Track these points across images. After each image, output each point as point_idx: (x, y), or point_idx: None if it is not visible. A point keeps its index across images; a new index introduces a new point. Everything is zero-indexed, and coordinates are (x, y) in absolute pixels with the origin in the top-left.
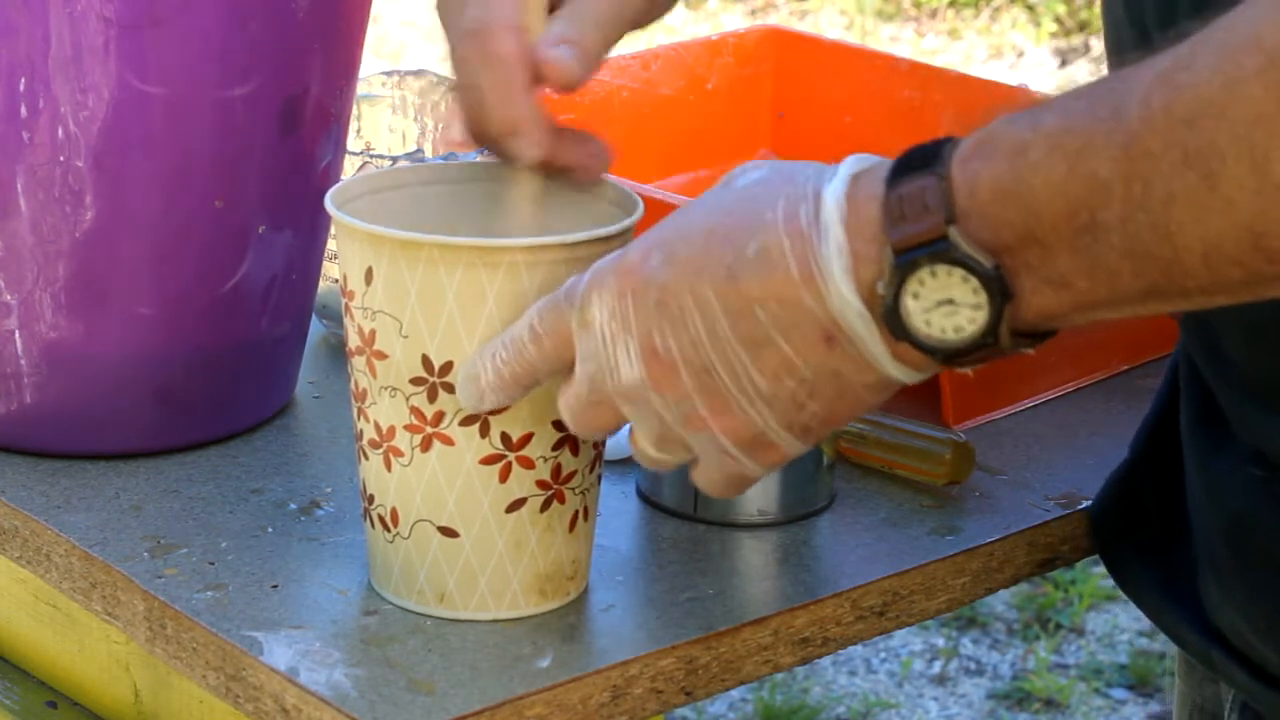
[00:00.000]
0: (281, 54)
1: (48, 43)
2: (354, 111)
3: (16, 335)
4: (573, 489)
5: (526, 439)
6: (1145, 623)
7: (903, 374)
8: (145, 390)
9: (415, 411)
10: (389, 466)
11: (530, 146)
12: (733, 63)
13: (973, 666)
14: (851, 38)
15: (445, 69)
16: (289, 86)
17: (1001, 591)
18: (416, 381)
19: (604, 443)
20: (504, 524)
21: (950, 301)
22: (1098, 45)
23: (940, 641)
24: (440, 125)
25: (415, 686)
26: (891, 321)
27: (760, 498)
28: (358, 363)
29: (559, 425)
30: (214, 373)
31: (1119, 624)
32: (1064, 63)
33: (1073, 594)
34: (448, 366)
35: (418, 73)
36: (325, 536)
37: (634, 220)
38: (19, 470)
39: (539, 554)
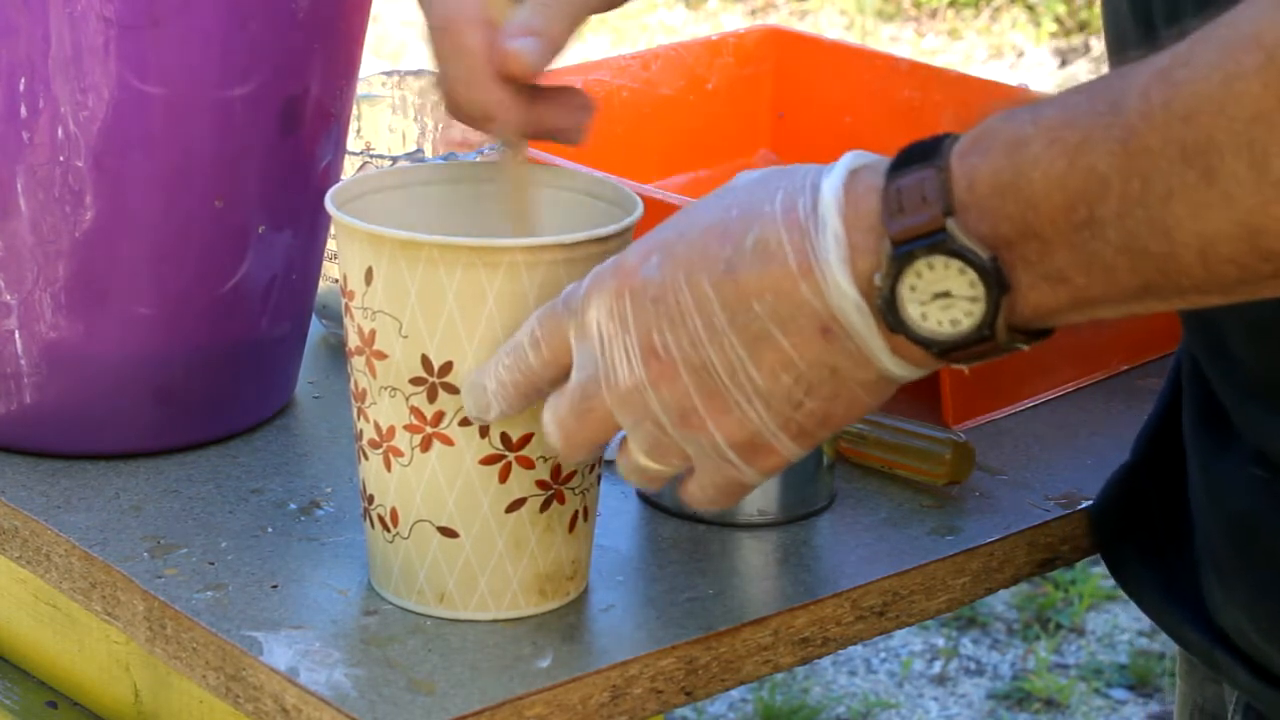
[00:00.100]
0: (281, 54)
1: (48, 43)
2: (354, 111)
3: (16, 335)
4: (572, 489)
5: (526, 439)
6: (1145, 623)
7: (900, 369)
8: (145, 390)
9: (415, 411)
10: (389, 466)
11: (504, 130)
12: (733, 63)
13: (973, 666)
14: (851, 38)
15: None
16: (289, 86)
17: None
18: (416, 381)
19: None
20: (504, 524)
21: (947, 294)
22: (1098, 45)
23: (940, 641)
24: (440, 125)
25: (415, 686)
26: (888, 313)
27: (760, 498)
28: (357, 363)
29: None
30: (214, 373)
31: (1119, 624)
32: (1064, 63)
33: (1073, 594)
34: (447, 366)
35: (418, 73)
36: (325, 536)
37: (634, 220)
38: (19, 470)
39: (539, 554)
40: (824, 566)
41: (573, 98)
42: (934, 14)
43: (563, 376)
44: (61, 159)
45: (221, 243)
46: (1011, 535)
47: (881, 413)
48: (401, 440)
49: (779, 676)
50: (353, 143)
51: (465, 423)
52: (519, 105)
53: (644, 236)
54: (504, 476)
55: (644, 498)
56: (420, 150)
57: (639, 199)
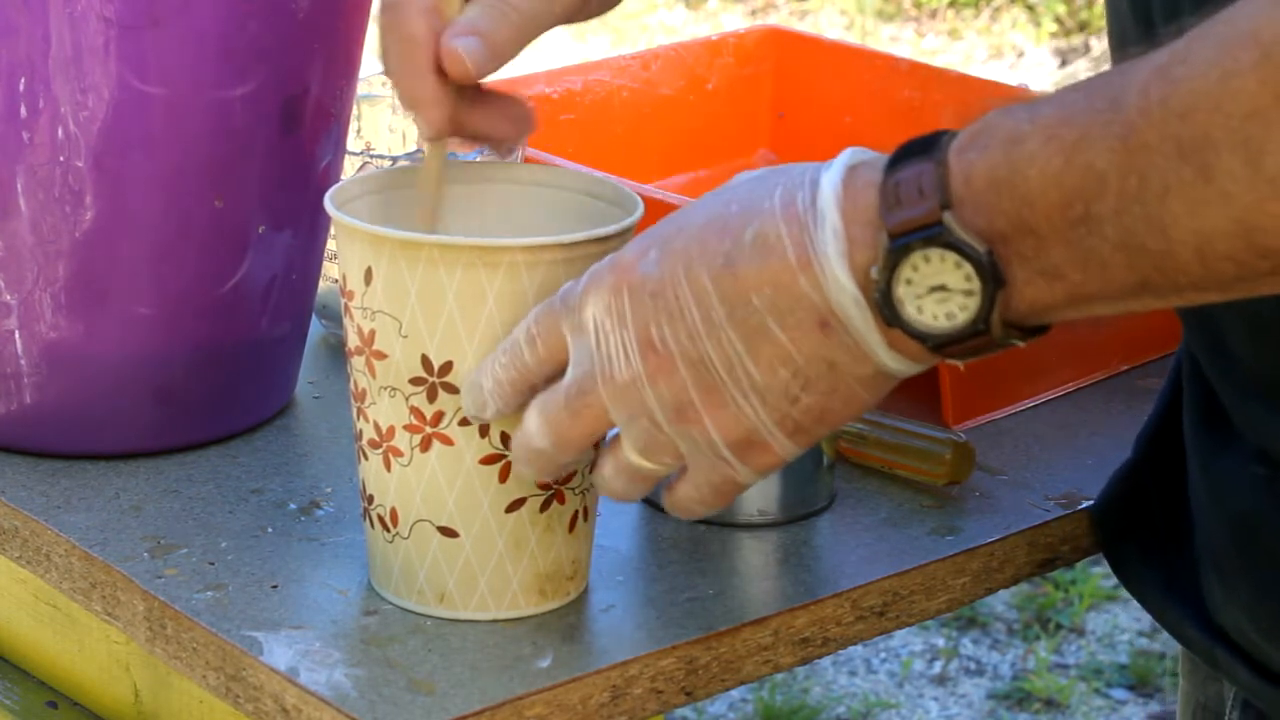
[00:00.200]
0: (281, 54)
1: (48, 43)
2: (354, 111)
3: (16, 335)
4: (572, 489)
5: None
6: (1145, 623)
7: (896, 364)
8: (145, 390)
9: (415, 411)
10: (388, 466)
11: (426, 125)
12: (733, 63)
13: (973, 666)
14: (851, 38)
15: None
16: (289, 86)
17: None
18: (416, 381)
19: (604, 442)
20: (504, 524)
21: (943, 288)
22: (1098, 45)
23: (940, 641)
24: None
25: (415, 686)
26: (884, 307)
27: (760, 498)
28: (357, 363)
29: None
30: (214, 373)
31: (1119, 624)
32: (1064, 63)
33: (1073, 594)
34: (447, 366)
35: None
36: (325, 536)
37: (634, 220)
38: (19, 470)
39: (539, 554)
40: (824, 566)
41: (512, 107)
42: (934, 14)
43: (557, 375)
44: (61, 159)
45: (221, 243)
46: (1011, 535)
47: (881, 413)
48: (401, 440)
49: (779, 676)
50: (353, 143)
51: (465, 423)
52: (448, 102)
53: (642, 233)
54: (504, 476)
55: (644, 498)
56: (420, 150)
57: (639, 199)
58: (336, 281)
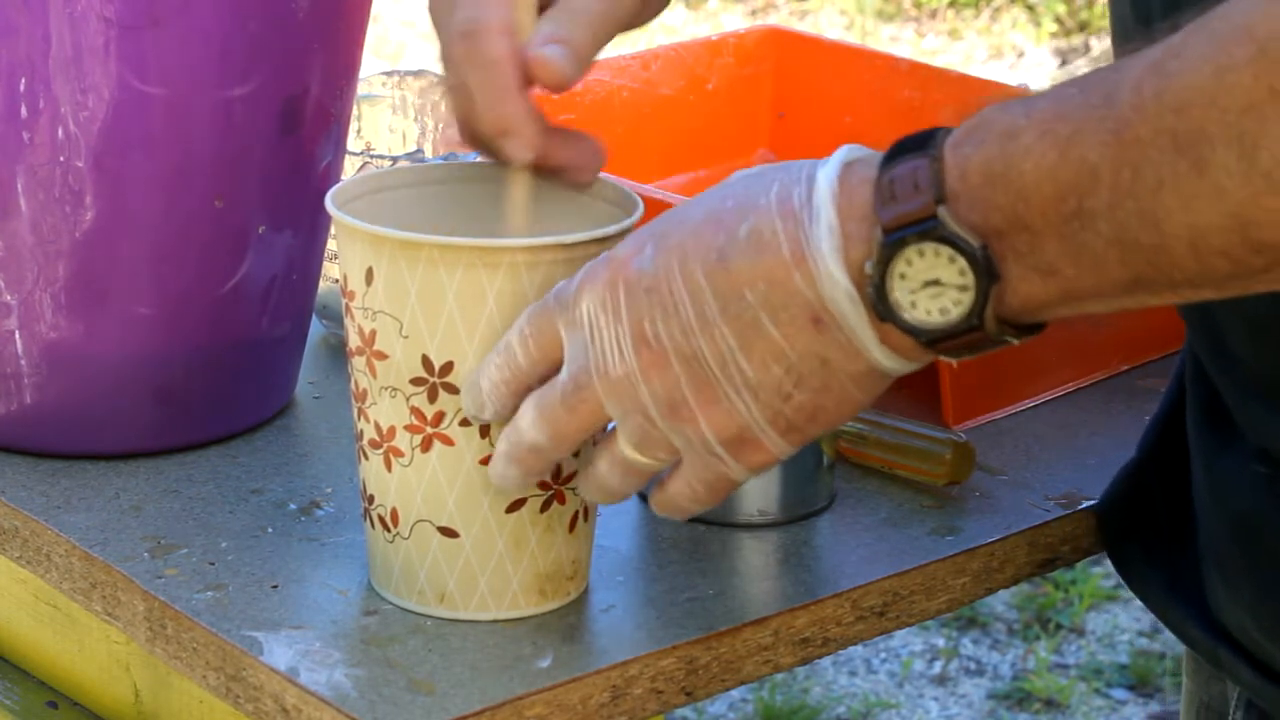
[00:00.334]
0: (281, 54)
1: (48, 43)
2: (354, 111)
3: (16, 335)
4: (573, 489)
5: None
6: (1145, 623)
7: (889, 360)
8: (145, 390)
9: (415, 412)
10: (389, 467)
11: (521, 148)
12: (733, 63)
13: (973, 666)
14: (851, 38)
15: (442, 69)
16: (289, 86)
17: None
18: (417, 382)
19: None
20: (504, 524)
21: (937, 282)
22: (1098, 45)
23: (940, 642)
24: (440, 125)
25: (415, 686)
26: (878, 301)
27: (760, 498)
28: (358, 363)
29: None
30: (214, 373)
31: (1119, 624)
32: (1064, 63)
33: (1073, 594)
34: (448, 367)
35: (418, 73)
36: (325, 536)
37: (633, 220)
38: (19, 470)
39: (539, 554)
40: (824, 566)
41: (585, 141)
42: (934, 14)
43: (551, 375)
44: (61, 159)
45: (221, 243)
46: (1011, 535)
47: (881, 413)
48: (402, 440)
49: (779, 676)
50: (353, 143)
51: (465, 423)
52: (538, 122)
53: (638, 229)
54: None
55: (644, 498)
56: (420, 150)
57: (639, 199)
58: (337, 281)
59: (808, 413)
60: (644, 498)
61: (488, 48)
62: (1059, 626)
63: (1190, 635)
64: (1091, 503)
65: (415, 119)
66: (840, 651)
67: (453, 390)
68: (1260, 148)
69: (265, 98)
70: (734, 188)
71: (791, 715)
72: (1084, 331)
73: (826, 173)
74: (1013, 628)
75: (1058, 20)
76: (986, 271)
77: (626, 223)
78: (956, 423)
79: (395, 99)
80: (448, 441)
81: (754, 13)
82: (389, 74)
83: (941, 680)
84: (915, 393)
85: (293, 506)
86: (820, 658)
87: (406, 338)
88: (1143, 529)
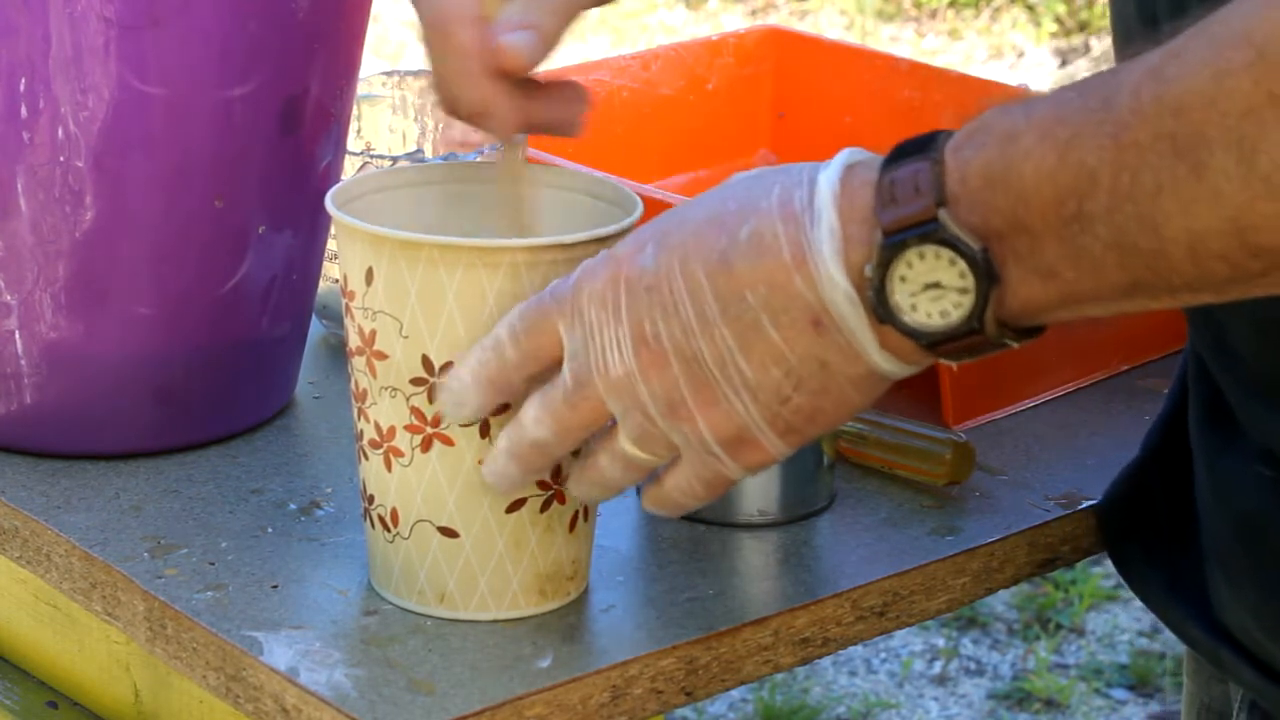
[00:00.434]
0: (281, 54)
1: (48, 43)
2: (354, 111)
3: (16, 335)
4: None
5: None
6: (1145, 623)
7: (889, 364)
8: (145, 390)
9: (415, 412)
10: (389, 467)
11: (499, 126)
12: (733, 63)
13: (973, 666)
14: (851, 38)
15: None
16: (289, 86)
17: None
18: (417, 382)
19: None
20: (504, 524)
21: (937, 285)
22: (1098, 45)
23: (940, 642)
24: (440, 125)
25: (415, 686)
26: (878, 304)
27: (760, 498)
28: (358, 363)
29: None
30: (214, 373)
31: (1119, 624)
32: (1064, 63)
33: (1073, 594)
34: (448, 367)
35: (418, 73)
36: (325, 536)
37: (633, 220)
38: (19, 470)
39: (539, 554)
40: (824, 566)
41: (568, 90)
42: (934, 14)
43: (540, 372)
44: (61, 159)
45: (221, 243)
46: (1011, 535)
47: (881, 413)
48: (402, 440)
49: (779, 676)
50: (353, 143)
51: (466, 423)
52: (513, 100)
53: (639, 228)
54: None
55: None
56: (420, 150)
57: (639, 199)
58: (337, 281)
59: (806, 414)
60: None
61: (456, 37)
62: (1059, 626)
63: (1191, 635)
64: (1092, 503)
65: (415, 119)
66: (840, 651)
67: None
68: (1259, 152)
69: (265, 98)
70: (735, 189)
71: (791, 715)
72: (1084, 331)
73: (828, 176)
74: (1013, 628)
75: (1058, 20)
76: (987, 274)
77: (626, 222)
78: (956, 423)
79: (395, 99)
80: (448, 441)
81: (754, 13)
82: (389, 74)
83: (941, 680)
84: (915, 393)
85: (293, 506)
86: (820, 658)
87: (406, 338)
88: (1144, 529)
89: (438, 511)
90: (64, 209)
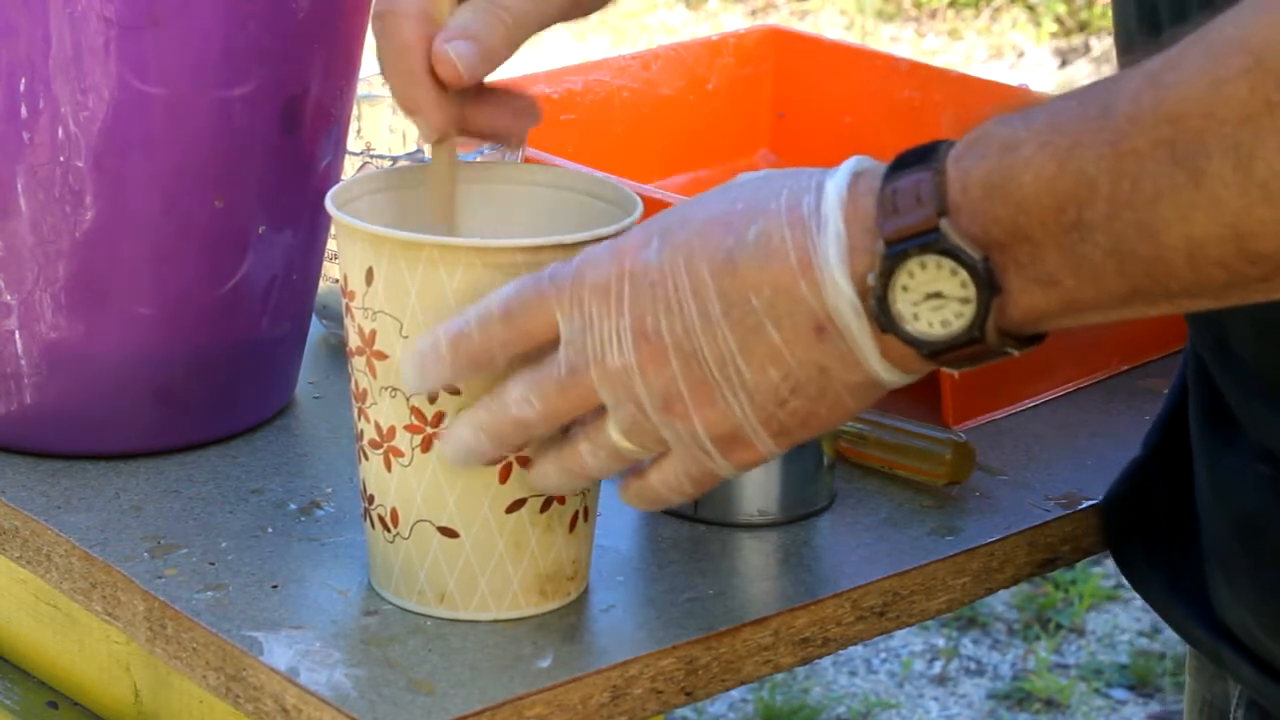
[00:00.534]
0: (281, 54)
1: (48, 43)
2: (354, 111)
3: (16, 335)
4: (574, 491)
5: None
6: (1145, 623)
7: (889, 373)
8: (145, 390)
9: (415, 412)
10: (389, 467)
11: (426, 128)
12: (733, 63)
13: (973, 666)
14: (851, 38)
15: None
16: (289, 86)
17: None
18: (419, 393)
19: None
20: (504, 524)
21: (939, 295)
22: (1098, 45)
23: (940, 642)
24: None
25: (415, 686)
26: (880, 313)
27: (760, 498)
28: (358, 363)
29: (567, 430)
30: (214, 373)
31: (1119, 624)
32: (1064, 63)
33: (1073, 594)
34: None
35: None
36: (325, 536)
37: (633, 220)
38: (19, 470)
39: (539, 554)
40: (824, 566)
41: (515, 101)
42: (934, 14)
43: (526, 349)
44: (62, 159)
45: (221, 243)
46: (1011, 535)
47: (881, 413)
48: (402, 440)
49: (779, 677)
50: (353, 143)
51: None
52: (446, 104)
53: (644, 222)
54: (504, 477)
55: None
56: (420, 150)
57: (639, 199)
58: (337, 281)
59: (800, 418)
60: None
61: (398, 32)
62: (1059, 626)
63: (1192, 634)
64: (1092, 503)
65: None
66: (840, 651)
67: (453, 390)
68: (1256, 158)
69: (265, 98)
70: (742, 190)
71: (791, 715)
72: (1084, 332)
73: (835, 182)
74: (1013, 628)
75: (1058, 20)
76: (988, 284)
77: (626, 222)
78: (956, 423)
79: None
80: None
81: (754, 13)
82: None
83: (941, 680)
84: (915, 393)
85: (293, 506)
86: (820, 658)
87: (407, 338)
88: (1146, 528)
89: (438, 511)
90: (64, 209)
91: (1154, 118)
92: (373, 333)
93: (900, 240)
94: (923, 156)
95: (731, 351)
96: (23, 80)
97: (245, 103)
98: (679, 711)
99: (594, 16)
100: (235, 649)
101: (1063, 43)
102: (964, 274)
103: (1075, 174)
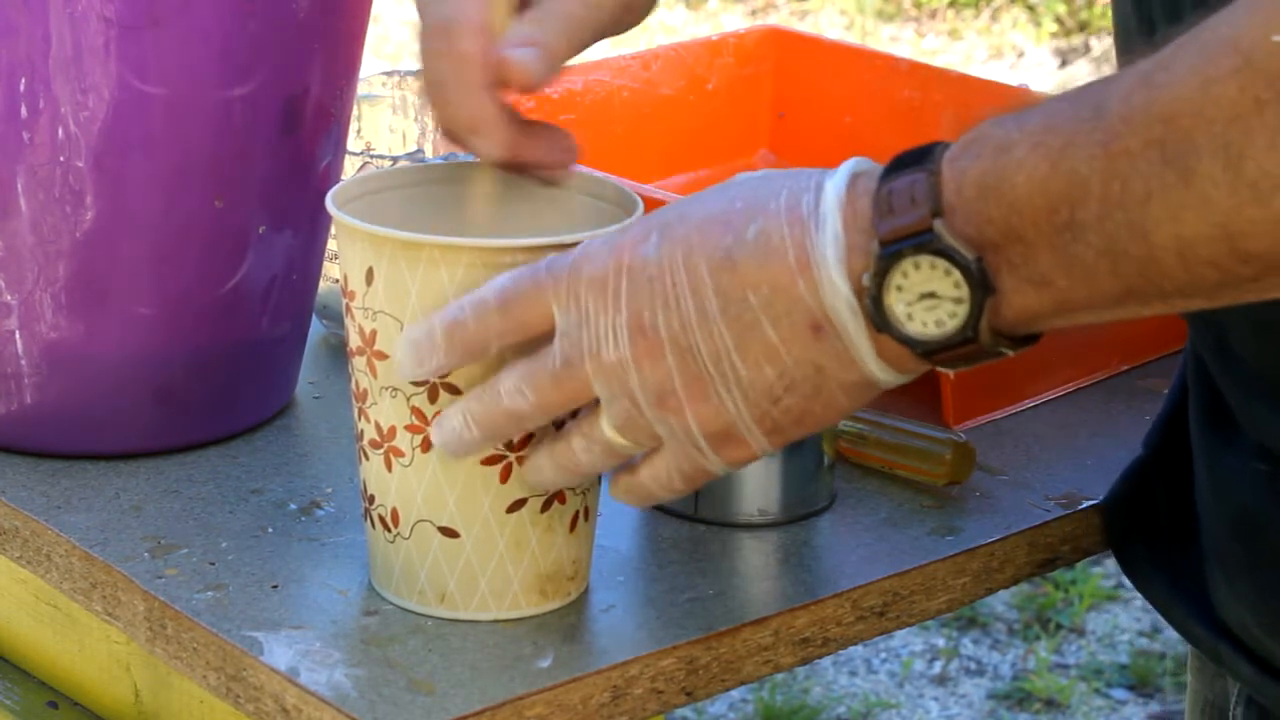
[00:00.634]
0: (282, 54)
1: (48, 43)
2: (354, 111)
3: (17, 335)
4: (573, 489)
5: (527, 439)
6: (1145, 623)
7: (884, 373)
8: (145, 390)
9: (416, 412)
10: (390, 467)
11: (491, 146)
12: (733, 63)
13: (973, 666)
14: (851, 38)
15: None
16: (289, 86)
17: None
18: (417, 382)
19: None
20: (505, 524)
21: (933, 295)
22: (1098, 45)
23: (940, 642)
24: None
25: (415, 686)
26: (875, 313)
27: (760, 498)
28: (358, 363)
29: (557, 424)
30: (214, 373)
31: (1119, 624)
32: (1064, 63)
33: (1073, 594)
34: None
35: (418, 73)
36: (325, 537)
37: (634, 220)
38: (19, 470)
39: (540, 554)
40: (824, 566)
41: (557, 137)
42: (934, 14)
43: (521, 339)
44: (62, 159)
45: (221, 243)
46: (1011, 535)
47: (881, 413)
48: (403, 440)
49: (779, 676)
50: (353, 143)
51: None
52: (507, 121)
53: (643, 218)
54: (505, 477)
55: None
56: (420, 150)
57: (639, 199)
58: (337, 281)
59: (794, 416)
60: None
61: (461, 45)
62: (1059, 626)
63: (1193, 633)
64: (1092, 503)
65: (415, 119)
66: (840, 651)
67: (454, 390)
68: (1246, 158)
69: (265, 98)
70: (742, 189)
71: (791, 715)
72: (1084, 332)
73: (834, 183)
74: (1013, 628)
75: (1058, 20)
76: (981, 284)
77: (627, 222)
78: (956, 423)
79: (395, 99)
80: None
81: (754, 13)
82: (389, 74)
83: (941, 680)
84: (915, 393)
85: (293, 506)
86: (820, 658)
87: None
88: (1147, 528)
89: (438, 511)
90: (64, 209)
91: (1145, 118)
92: (373, 333)
93: (895, 240)
94: (919, 157)
95: (727, 348)
96: (23, 80)
97: (245, 103)
98: (679, 711)
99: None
100: (235, 649)
101: (1063, 43)
102: (957, 274)
103: (1068, 174)
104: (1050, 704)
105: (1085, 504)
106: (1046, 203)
